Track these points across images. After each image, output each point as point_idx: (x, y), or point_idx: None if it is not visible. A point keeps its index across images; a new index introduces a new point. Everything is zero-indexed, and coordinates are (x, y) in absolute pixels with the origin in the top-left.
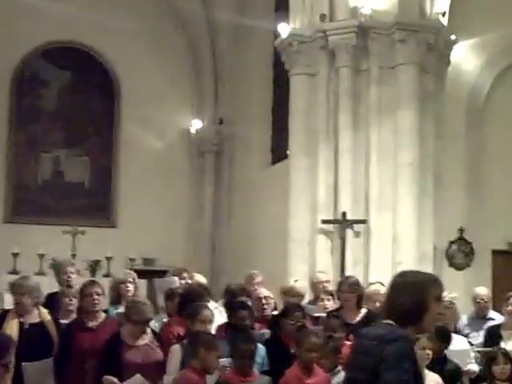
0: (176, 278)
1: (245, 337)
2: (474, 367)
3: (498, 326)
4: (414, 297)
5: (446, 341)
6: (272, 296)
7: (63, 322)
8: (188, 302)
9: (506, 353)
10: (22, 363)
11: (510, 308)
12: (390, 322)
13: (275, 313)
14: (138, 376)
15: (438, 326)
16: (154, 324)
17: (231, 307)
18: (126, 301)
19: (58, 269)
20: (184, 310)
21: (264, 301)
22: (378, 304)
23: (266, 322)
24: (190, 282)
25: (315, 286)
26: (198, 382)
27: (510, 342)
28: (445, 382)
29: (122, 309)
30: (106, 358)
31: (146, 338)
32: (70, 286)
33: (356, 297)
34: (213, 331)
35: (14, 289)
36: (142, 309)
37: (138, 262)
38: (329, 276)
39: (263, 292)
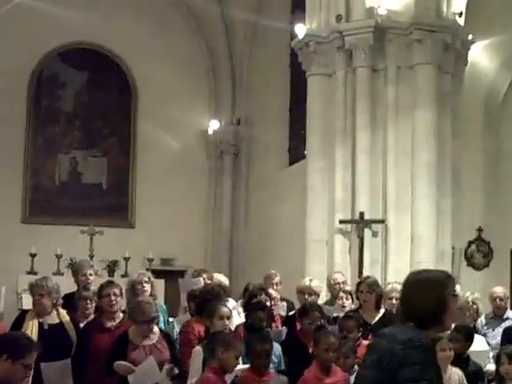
0: (201, 279)
1: (261, 336)
2: (493, 367)
3: None
4: (432, 296)
5: (469, 339)
6: (279, 297)
7: (81, 323)
8: (206, 302)
9: (509, 352)
10: (41, 363)
11: None
12: (411, 324)
13: (292, 313)
14: (150, 359)
15: (460, 325)
16: (174, 325)
17: (249, 308)
18: None
19: (77, 270)
20: (203, 310)
21: (272, 302)
22: (394, 301)
23: (276, 321)
24: (208, 282)
25: (332, 286)
26: (215, 381)
27: None
28: (468, 383)
29: None
30: (112, 357)
31: (154, 338)
32: (86, 289)
33: (375, 297)
34: (232, 327)
35: (34, 290)
36: (146, 308)
37: (155, 262)
38: (346, 276)
39: (271, 294)
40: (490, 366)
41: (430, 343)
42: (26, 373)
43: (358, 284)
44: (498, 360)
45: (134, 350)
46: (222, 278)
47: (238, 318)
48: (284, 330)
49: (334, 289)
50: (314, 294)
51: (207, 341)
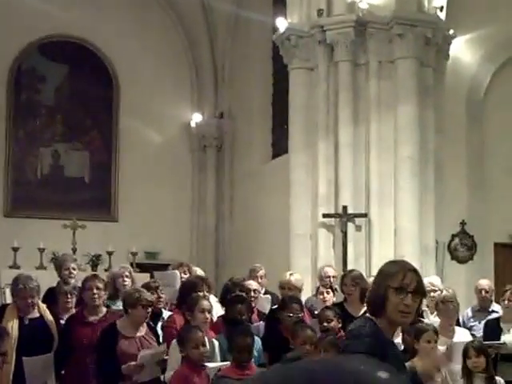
0: (177, 272)
1: (242, 330)
2: None
3: (497, 319)
4: (374, 286)
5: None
6: (260, 290)
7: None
8: (186, 294)
9: (476, 346)
10: (23, 358)
11: (506, 302)
12: (368, 315)
13: (276, 306)
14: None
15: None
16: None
17: (228, 302)
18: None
19: (60, 264)
20: (183, 303)
21: (252, 293)
22: None
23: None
24: (185, 275)
25: (323, 280)
26: (188, 375)
27: (510, 335)
28: None
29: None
30: (101, 349)
31: (143, 330)
32: (66, 283)
33: (359, 290)
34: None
35: (17, 292)
36: (143, 293)
37: (140, 255)
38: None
39: (252, 284)
40: None
41: (373, 331)
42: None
43: (343, 277)
44: (465, 354)
45: (125, 341)
46: (198, 271)
47: (220, 311)
48: (262, 324)
49: (324, 282)
50: (295, 288)
51: (177, 340)
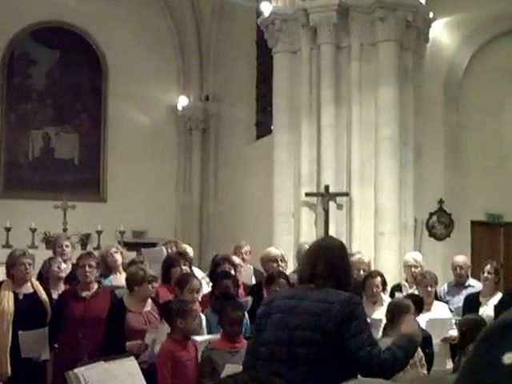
0: (163, 248)
1: (233, 304)
2: (455, 333)
3: (477, 294)
4: None
5: (419, 308)
6: (243, 264)
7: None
8: (166, 269)
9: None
10: (19, 332)
11: (485, 275)
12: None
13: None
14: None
15: (410, 294)
16: None
17: (215, 277)
18: (115, 270)
19: (54, 242)
20: (166, 277)
21: (237, 268)
22: (362, 272)
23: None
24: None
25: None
26: (174, 350)
27: (488, 307)
28: None
29: (113, 280)
30: (110, 324)
31: (148, 306)
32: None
33: None
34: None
35: (21, 259)
36: (145, 270)
37: (127, 234)
38: None
39: (235, 259)
40: (453, 332)
41: None
42: None
43: None
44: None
45: (132, 317)
46: (183, 246)
47: (206, 287)
48: (250, 299)
49: None
50: (285, 261)
51: (164, 315)
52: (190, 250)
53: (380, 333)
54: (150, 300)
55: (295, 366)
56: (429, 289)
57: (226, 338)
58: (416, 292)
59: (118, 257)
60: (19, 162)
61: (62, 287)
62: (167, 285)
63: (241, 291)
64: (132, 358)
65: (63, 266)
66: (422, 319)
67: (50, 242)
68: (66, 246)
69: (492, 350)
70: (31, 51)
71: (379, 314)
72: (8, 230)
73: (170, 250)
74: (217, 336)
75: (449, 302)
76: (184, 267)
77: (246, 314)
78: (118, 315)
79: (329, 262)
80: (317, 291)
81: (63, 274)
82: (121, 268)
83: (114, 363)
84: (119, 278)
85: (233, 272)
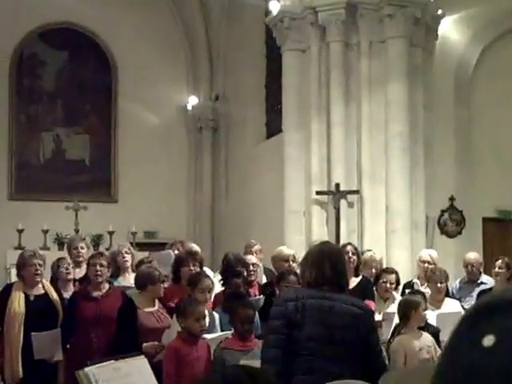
0: (171, 251)
1: (243, 302)
2: None
3: (489, 290)
4: None
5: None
6: (259, 264)
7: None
8: (176, 270)
9: None
10: (32, 333)
11: (497, 270)
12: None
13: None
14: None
15: (416, 289)
16: None
17: (226, 276)
18: (124, 271)
19: (69, 244)
20: (176, 277)
21: (252, 267)
22: (374, 270)
23: (253, 287)
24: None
25: None
26: (181, 348)
27: None
28: None
29: (122, 281)
30: (122, 323)
31: (156, 305)
32: (76, 262)
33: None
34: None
35: (32, 260)
36: (155, 270)
37: (139, 235)
38: None
39: (251, 259)
40: None
41: None
42: None
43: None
44: None
45: (144, 316)
46: (194, 248)
47: (217, 286)
48: (262, 298)
49: None
50: (296, 261)
51: (175, 314)
52: (197, 249)
53: (393, 326)
54: (156, 299)
55: (340, 363)
56: (439, 285)
57: (238, 337)
58: (427, 289)
59: (129, 258)
60: (31, 164)
61: (71, 288)
62: (177, 284)
63: (256, 291)
64: (142, 356)
65: (71, 267)
66: (433, 315)
67: (62, 243)
68: (82, 248)
69: (472, 331)
70: (40, 52)
71: (390, 310)
72: (20, 231)
73: (176, 251)
74: (227, 333)
75: (461, 300)
76: (193, 268)
77: (257, 313)
78: (130, 314)
79: (333, 266)
80: (338, 295)
81: (71, 276)
82: (130, 269)
83: (125, 361)
84: (128, 279)
85: (245, 272)
